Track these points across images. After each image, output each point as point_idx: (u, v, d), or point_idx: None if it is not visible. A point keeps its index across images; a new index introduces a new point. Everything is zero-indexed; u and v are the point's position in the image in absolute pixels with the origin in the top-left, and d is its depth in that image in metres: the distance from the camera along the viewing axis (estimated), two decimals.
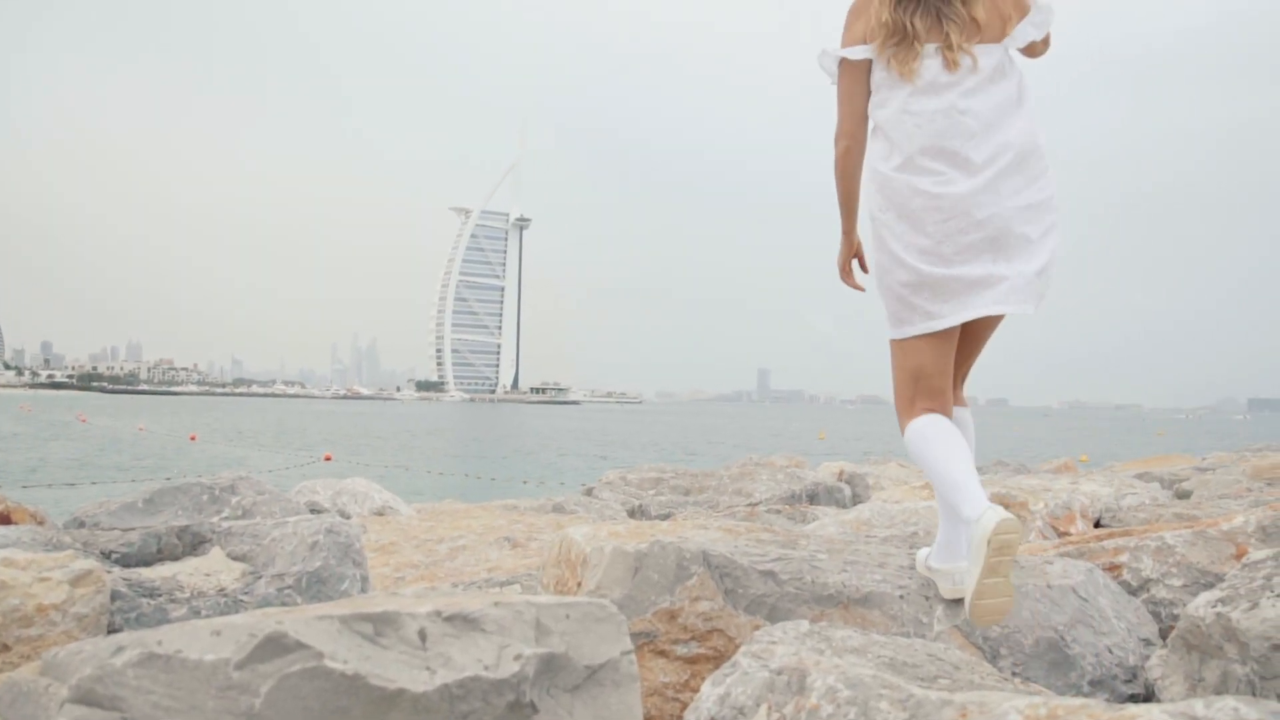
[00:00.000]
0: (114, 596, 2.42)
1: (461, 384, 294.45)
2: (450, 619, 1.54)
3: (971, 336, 2.81)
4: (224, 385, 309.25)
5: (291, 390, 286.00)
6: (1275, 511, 3.04)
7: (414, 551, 4.07)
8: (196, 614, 2.50)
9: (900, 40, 2.67)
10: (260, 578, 2.68)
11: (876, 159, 2.74)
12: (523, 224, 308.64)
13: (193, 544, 2.94)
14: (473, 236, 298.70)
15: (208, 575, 2.73)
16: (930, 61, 2.67)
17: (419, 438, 53.04)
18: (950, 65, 2.65)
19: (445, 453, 40.77)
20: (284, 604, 2.59)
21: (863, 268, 2.83)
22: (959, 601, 2.43)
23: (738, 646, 2.20)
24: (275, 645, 1.42)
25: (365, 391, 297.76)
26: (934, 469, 2.53)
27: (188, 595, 2.57)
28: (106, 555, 2.85)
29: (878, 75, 2.74)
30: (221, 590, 2.62)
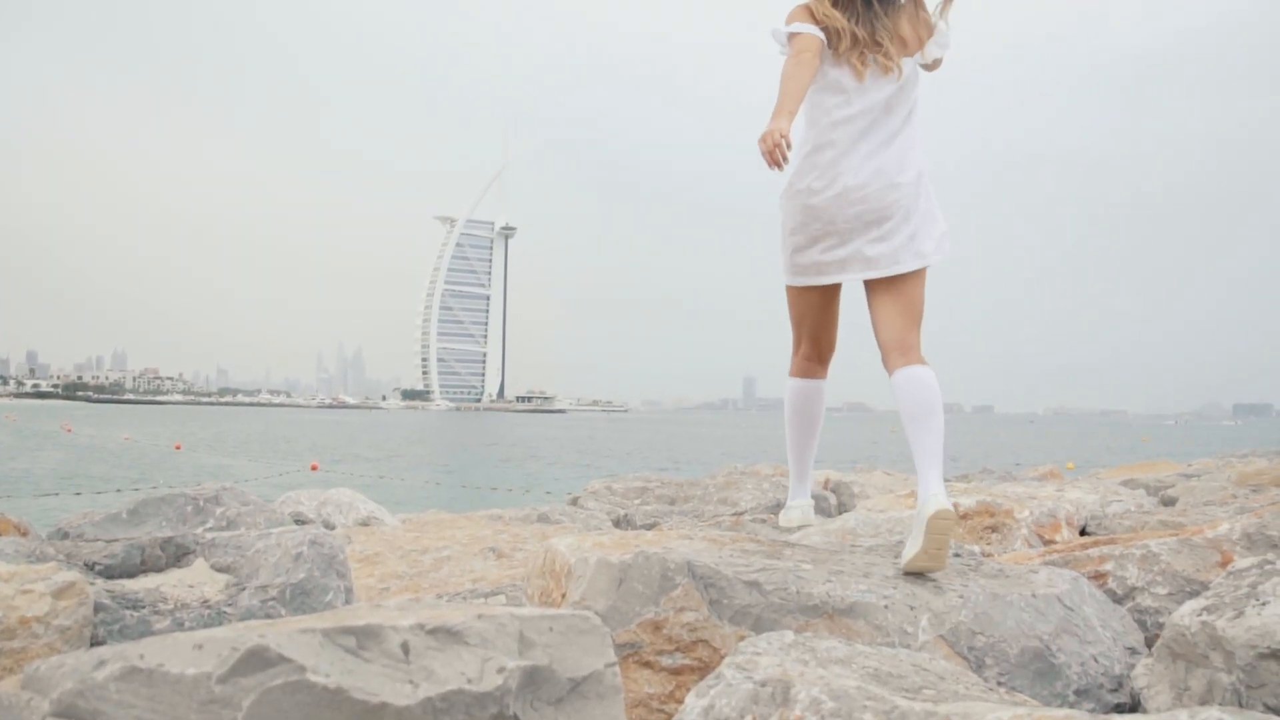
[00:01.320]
0: (97, 608, 2.41)
1: (447, 393, 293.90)
2: (433, 632, 1.54)
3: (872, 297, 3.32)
4: (210, 394, 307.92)
5: (277, 399, 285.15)
6: (1260, 519, 3.05)
7: (399, 562, 4.05)
8: (180, 626, 2.49)
9: (840, 43, 3.21)
10: (244, 589, 2.67)
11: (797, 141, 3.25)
12: (508, 232, 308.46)
13: (176, 555, 2.92)
14: (458, 245, 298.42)
15: (191, 587, 2.71)
16: (848, 67, 3.23)
17: (405, 447, 52.94)
18: (884, 70, 3.22)
19: (431, 462, 40.69)
20: (268, 616, 2.58)
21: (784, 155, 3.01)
22: (940, 618, 2.44)
23: (723, 657, 2.19)
24: (257, 659, 1.41)
25: (351, 400, 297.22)
26: (791, 433, 3.68)
27: (171, 607, 2.55)
28: (90, 567, 2.84)
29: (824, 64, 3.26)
30: (205, 602, 2.60)
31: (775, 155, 2.94)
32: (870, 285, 3.26)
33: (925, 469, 2.92)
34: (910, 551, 2.69)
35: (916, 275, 3.24)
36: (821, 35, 3.18)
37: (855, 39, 3.19)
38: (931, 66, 3.34)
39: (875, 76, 3.20)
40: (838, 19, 3.19)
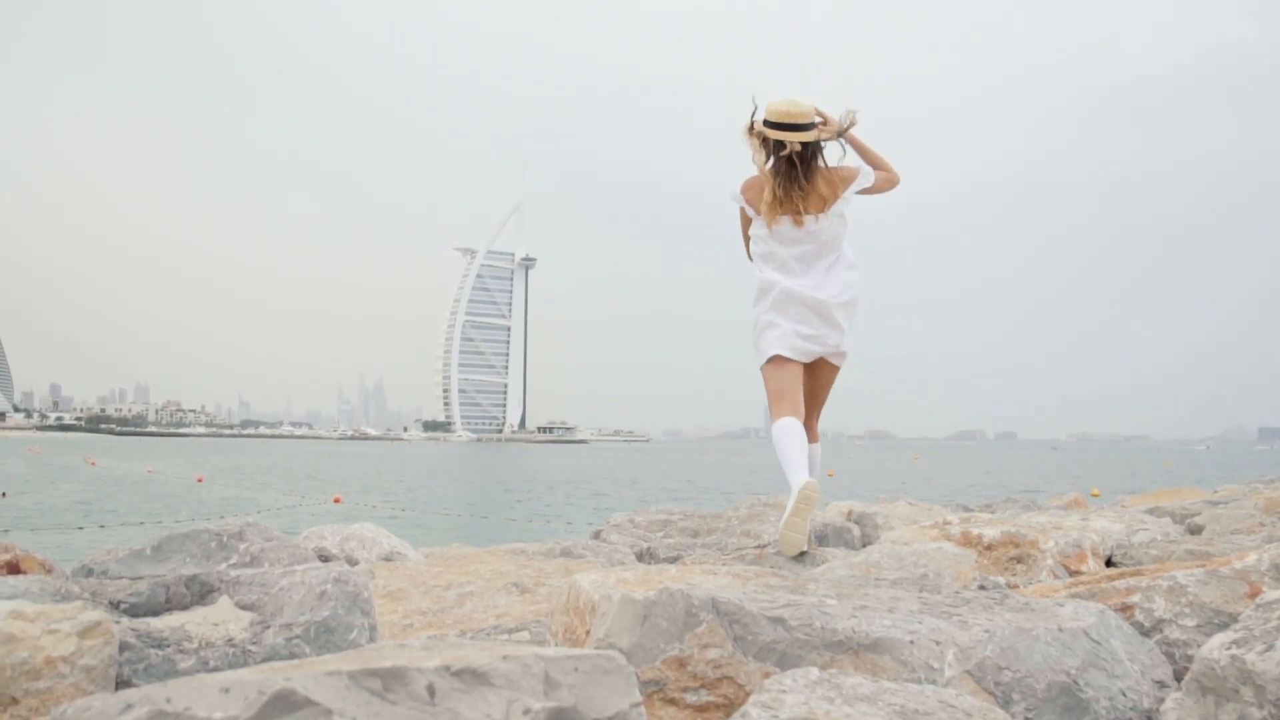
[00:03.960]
0: (122, 647, 2.41)
1: (468, 424, 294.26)
2: (459, 673, 1.53)
3: (812, 379, 4.88)
4: (231, 426, 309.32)
5: (299, 431, 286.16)
6: None
7: (422, 598, 4.05)
8: (205, 665, 2.49)
9: (775, 207, 4.64)
10: (268, 627, 2.67)
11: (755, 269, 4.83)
12: (528, 264, 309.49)
13: (201, 593, 2.93)
14: (478, 277, 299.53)
15: (215, 625, 2.72)
16: (788, 221, 4.65)
17: (427, 478, 52.98)
18: (799, 225, 4.64)
19: (453, 493, 40.72)
20: (292, 654, 2.58)
21: None
22: (966, 653, 2.42)
23: (748, 694, 2.18)
24: (284, 702, 1.41)
25: (373, 432, 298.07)
26: (782, 454, 4.47)
27: (196, 646, 2.56)
28: (115, 605, 2.84)
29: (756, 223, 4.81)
30: (230, 640, 2.61)
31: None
32: (814, 366, 4.82)
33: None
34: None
35: (833, 370, 4.90)
36: (748, 210, 4.79)
37: (782, 203, 4.60)
38: (869, 191, 4.72)
39: (799, 231, 4.64)
40: (771, 189, 4.62)
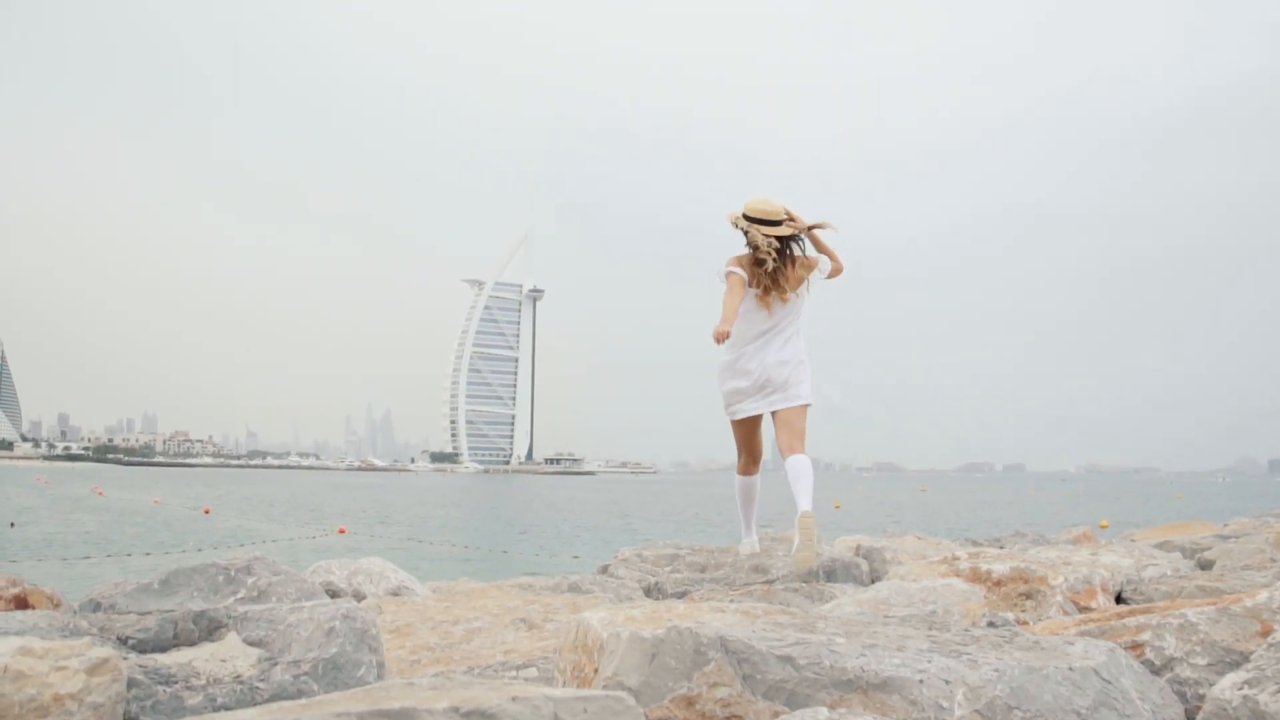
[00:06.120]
0: (130, 684, 2.41)
1: (476, 455, 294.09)
2: (468, 715, 1.53)
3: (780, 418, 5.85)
4: (239, 457, 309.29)
5: (306, 462, 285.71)
6: None
7: (430, 633, 4.04)
8: (212, 702, 2.49)
9: (751, 287, 5.65)
10: (276, 664, 2.67)
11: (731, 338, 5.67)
12: (536, 295, 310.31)
13: (209, 629, 2.93)
14: (486, 308, 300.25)
15: (224, 661, 2.71)
16: (765, 301, 5.68)
17: (434, 509, 52.92)
18: (781, 302, 5.70)
19: (460, 525, 40.66)
20: (300, 691, 2.58)
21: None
22: (975, 692, 2.42)
23: None
24: None
25: (380, 463, 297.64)
26: (741, 503, 6.24)
27: (204, 683, 2.56)
28: (123, 641, 2.84)
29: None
30: (238, 677, 2.60)
31: (721, 340, 5.43)
32: (775, 414, 5.82)
33: (801, 496, 5.48)
34: (794, 549, 5.38)
35: (804, 408, 5.83)
36: (744, 276, 5.62)
37: (765, 287, 5.62)
38: (829, 276, 5.87)
39: (776, 306, 5.67)
40: (753, 274, 5.63)
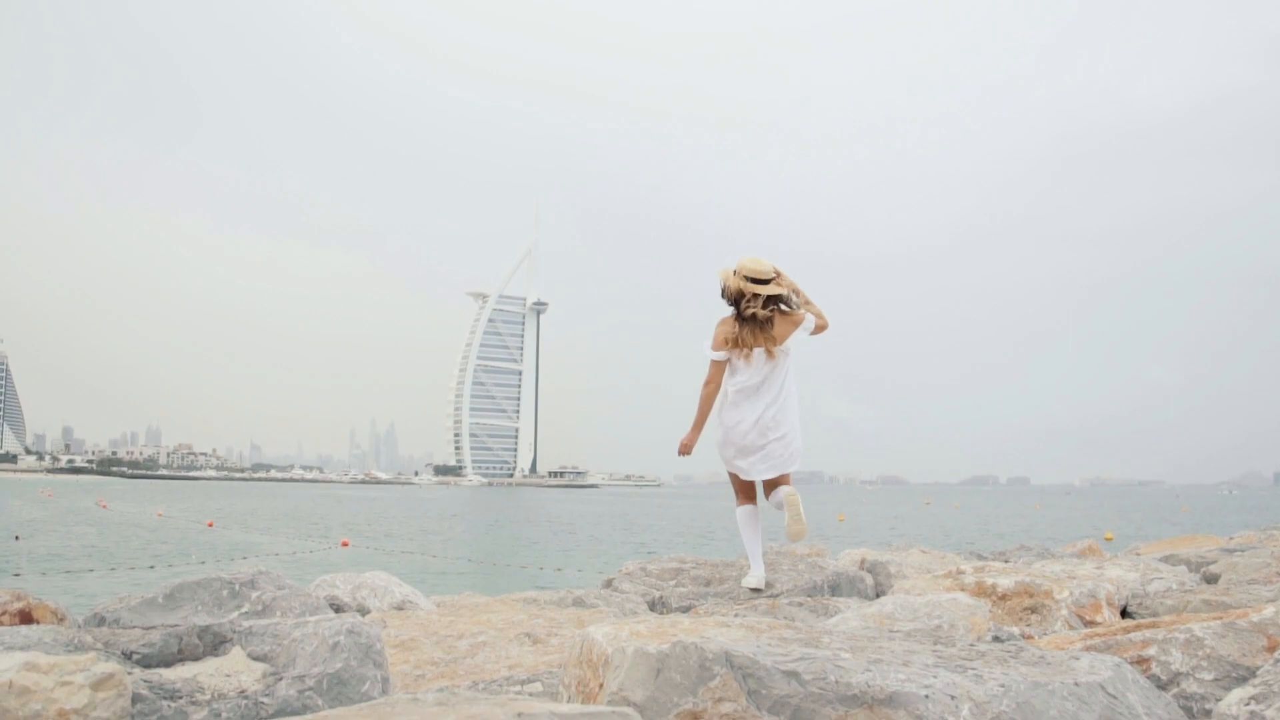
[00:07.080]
0: (135, 699, 2.41)
1: (479, 468, 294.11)
2: None
3: None
4: (242, 470, 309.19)
5: (310, 475, 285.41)
6: None
7: (434, 648, 4.03)
8: (217, 717, 2.49)
9: (740, 346, 5.88)
10: (281, 679, 2.67)
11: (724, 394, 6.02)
12: (540, 308, 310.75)
13: (214, 644, 2.93)
14: (490, 321, 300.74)
15: (228, 676, 2.71)
16: (755, 356, 5.89)
17: (437, 522, 52.87)
18: (767, 358, 5.88)
19: (464, 538, 40.62)
20: (305, 706, 2.57)
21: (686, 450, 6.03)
22: (981, 708, 2.41)
23: None
24: None
25: (383, 476, 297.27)
26: (745, 535, 6.09)
27: (208, 697, 2.56)
28: (128, 655, 2.84)
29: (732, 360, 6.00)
30: (242, 692, 2.60)
31: (685, 454, 5.92)
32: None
33: (782, 487, 5.90)
34: (785, 525, 5.72)
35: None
36: (728, 358, 5.94)
37: (747, 344, 5.85)
38: (814, 333, 6.04)
39: (759, 362, 5.88)
40: (737, 336, 5.87)
